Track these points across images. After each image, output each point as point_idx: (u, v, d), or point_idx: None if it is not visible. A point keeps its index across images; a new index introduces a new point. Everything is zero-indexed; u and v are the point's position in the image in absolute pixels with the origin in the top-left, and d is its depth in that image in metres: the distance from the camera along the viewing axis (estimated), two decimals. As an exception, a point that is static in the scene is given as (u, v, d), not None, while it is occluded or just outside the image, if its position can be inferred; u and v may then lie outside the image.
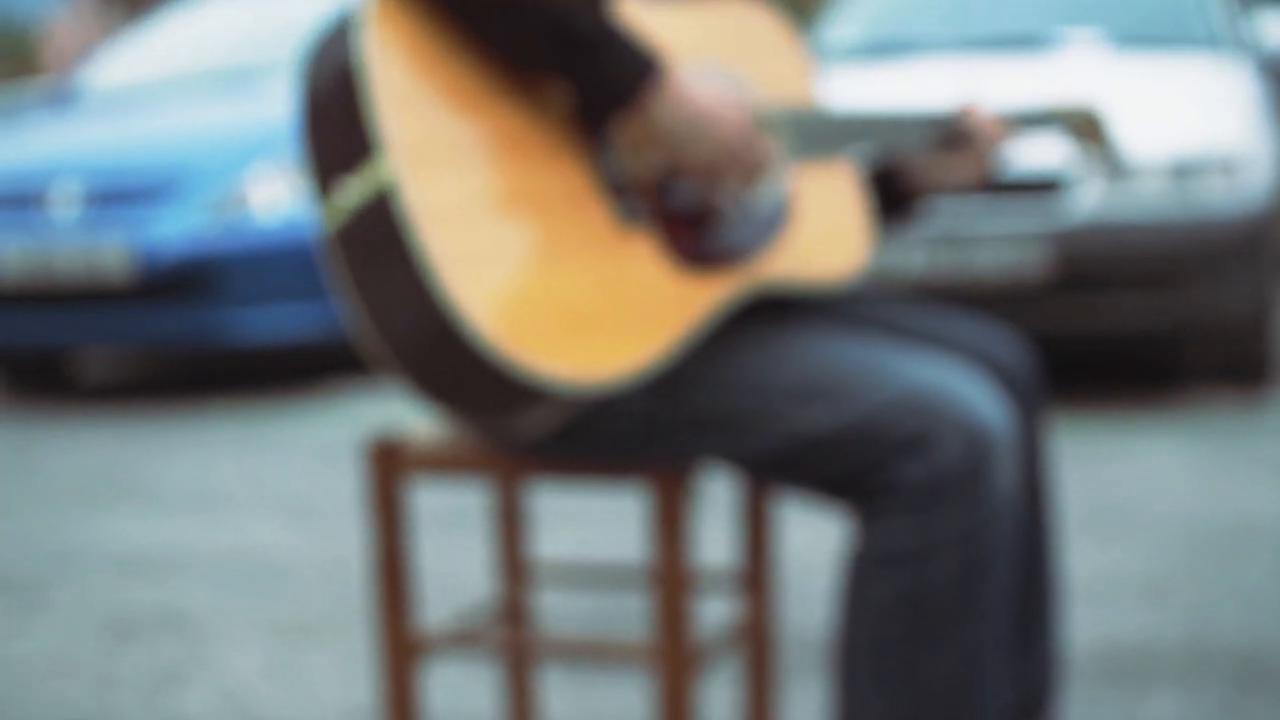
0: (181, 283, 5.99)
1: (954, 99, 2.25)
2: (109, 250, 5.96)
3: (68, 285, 6.03)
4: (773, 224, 1.99)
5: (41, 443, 5.52)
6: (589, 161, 1.81)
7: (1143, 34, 6.31)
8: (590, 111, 1.80)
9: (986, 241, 5.14)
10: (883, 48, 6.45)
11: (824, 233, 2.07)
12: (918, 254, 5.19)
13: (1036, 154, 5.14)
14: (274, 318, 6.07)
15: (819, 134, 2.03)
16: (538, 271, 1.73)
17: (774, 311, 2.06)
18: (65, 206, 6.09)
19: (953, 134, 2.22)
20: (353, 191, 1.70)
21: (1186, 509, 3.99)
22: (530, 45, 1.75)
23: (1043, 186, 5.17)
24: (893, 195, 2.30)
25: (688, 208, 1.90)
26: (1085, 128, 2.39)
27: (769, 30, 2.10)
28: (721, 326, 1.95)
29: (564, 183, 1.79)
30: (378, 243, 1.69)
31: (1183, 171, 5.17)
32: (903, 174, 2.29)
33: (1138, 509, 4.01)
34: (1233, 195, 5.19)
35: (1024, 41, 6.26)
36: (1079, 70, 5.88)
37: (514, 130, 1.78)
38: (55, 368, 7.00)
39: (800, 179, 2.06)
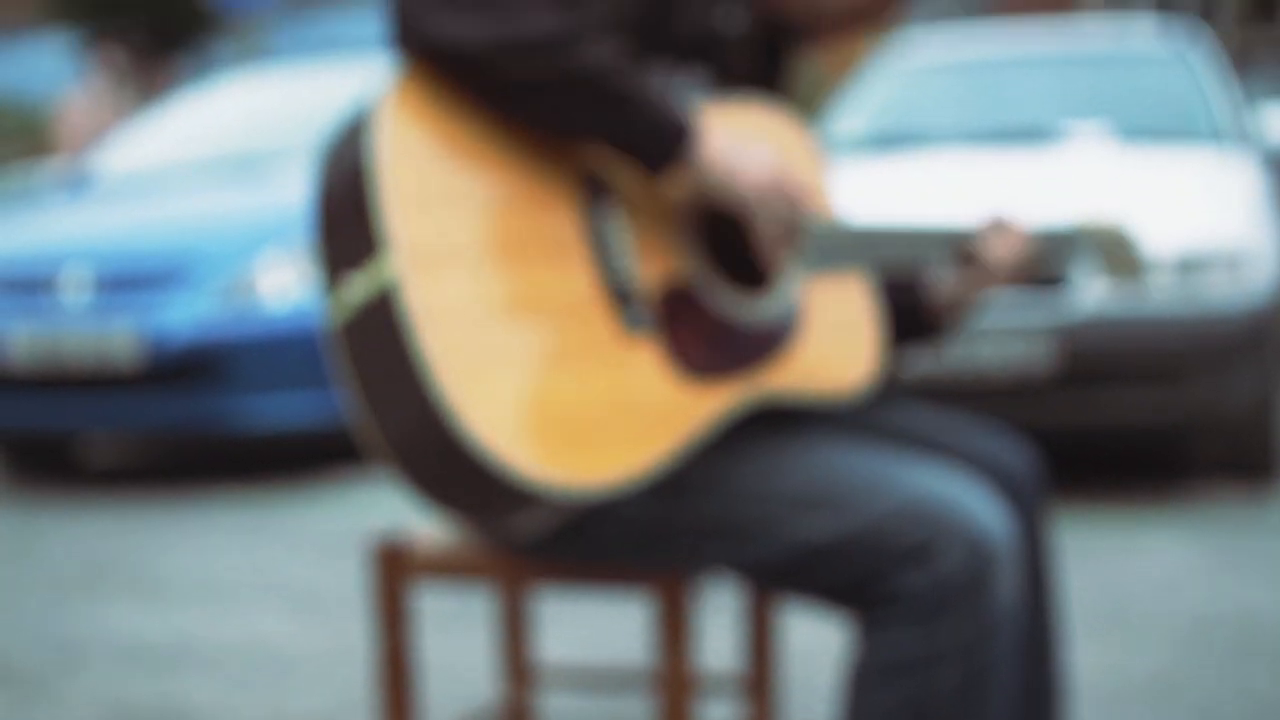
0: (190, 369, 6.01)
1: (975, 215, 2.25)
2: (118, 336, 5.98)
3: (76, 370, 6.05)
4: (780, 334, 2.00)
5: (45, 528, 5.52)
6: (596, 267, 1.83)
7: (1148, 127, 6.35)
8: (640, 166, 1.84)
9: (991, 336, 5.15)
10: (889, 140, 6.50)
11: (832, 345, 2.07)
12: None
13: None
14: (282, 405, 6.08)
15: (834, 246, 2.04)
16: (537, 377, 1.74)
17: (778, 419, 2.07)
18: (75, 291, 6.12)
19: (973, 250, 2.21)
20: (358, 288, 1.73)
21: (1192, 606, 3.98)
22: (571, 121, 1.80)
23: (1048, 281, 5.18)
24: (917, 318, 2.29)
25: (694, 317, 1.91)
26: (1112, 245, 2.38)
27: (787, 137, 2.11)
28: (725, 433, 1.96)
29: (570, 288, 1.80)
30: (379, 341, 1.71)
31: (1188, 266, 5.19)
32: (926, 295, 2.27)
33: (1143, 606, 4.00)
34: (1237, 290, 5.20)
35: (1030, 134, 6.30)
36: (1084, 163, 5.91)
37: (523, 233, 1.79)
38: (60, 451, 7.01)
39: (812, 290, 2.06)
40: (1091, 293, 5.16)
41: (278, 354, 6.06)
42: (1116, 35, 7.33)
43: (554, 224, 1.82)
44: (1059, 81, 6.92)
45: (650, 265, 1.88)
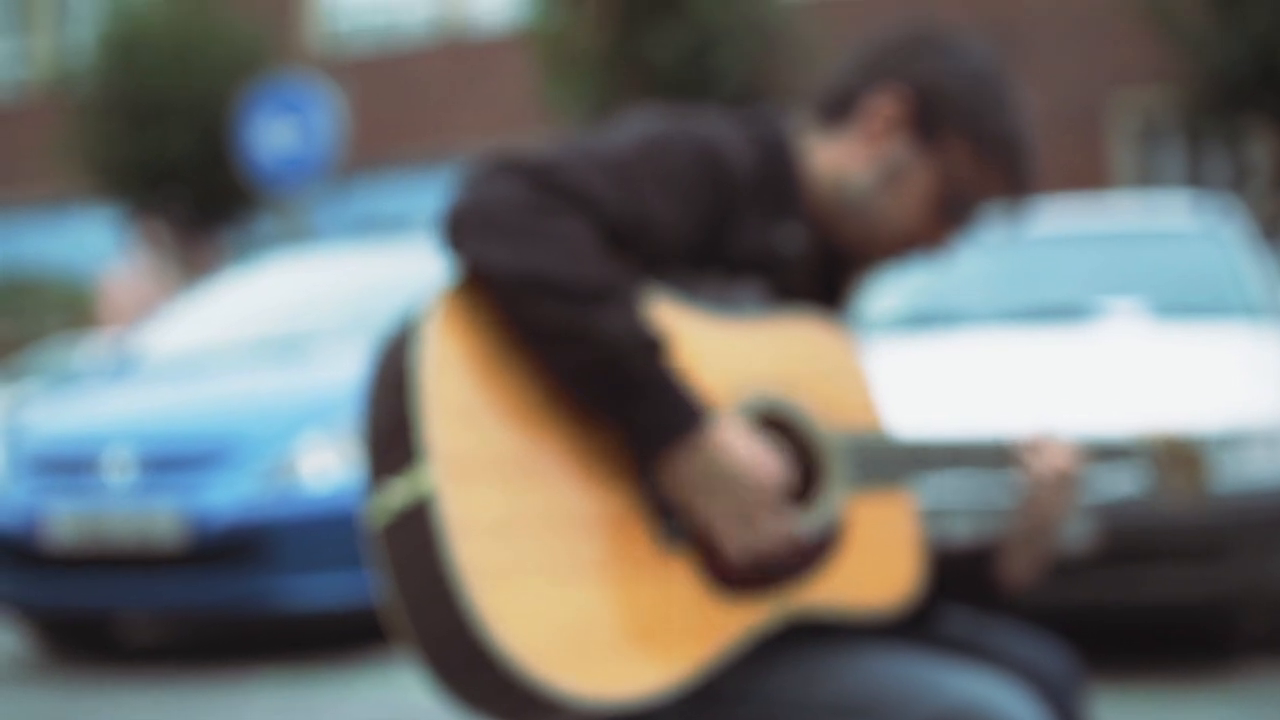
0: (232, 549, 6.04)
1: (1025, 428, 2.23)
2: (160, 516, 6.02)
3: (118, 550, 6.09)
4: (819, 549, 1.99)
5: (85, 708, 5.51)
6: (635, 481, 1.85)
7: (1182, 304, 6.37)
8: (631, 449, 1.85)
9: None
10: (925, 319, 6.53)
11: (872, 562, 2.05)
12: (962, 525, 5.20)
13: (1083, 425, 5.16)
14: (323, 585, 6.10)
15: (879, 461, 2.04)
16: (571, 589, 1.76)
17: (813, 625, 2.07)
18: (118, 472, 6.18)
19: (1020, 461, 2.18)
20: (398, 494, 1.76)
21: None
22: (582, 377, 1.81)
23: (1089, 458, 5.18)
24: (980, 586, 2.23)
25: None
26: (1175, 460, 2.29)
27: (836, 352, 2.10)
28: (763, 642, 1.95)
29: (608, 501, 1.82)
30: (415, 548, 1.74)
31: (1227, 443, 5.19)
32: (993, 566, 2.21)
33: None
34: (1276, 466, 5.19)
35: (1065, 312, 6.33)
36: (1120, 342, 5.93)
37: (563, 446, 1.82)
38: (99, 629, 7.01)
39: (855, 505, 2.04)
40: (1129, 469, 5.15)
41: (319, 535, 6.08)
42: (1149, 211, 7.39)
43: (595, 438, 1.84)
44: (1093, 258, 6.96)
45: None
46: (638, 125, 1.98)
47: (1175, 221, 7.13)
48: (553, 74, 16.99)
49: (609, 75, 16.10)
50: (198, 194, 21.33)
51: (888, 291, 6.92)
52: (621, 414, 1.83)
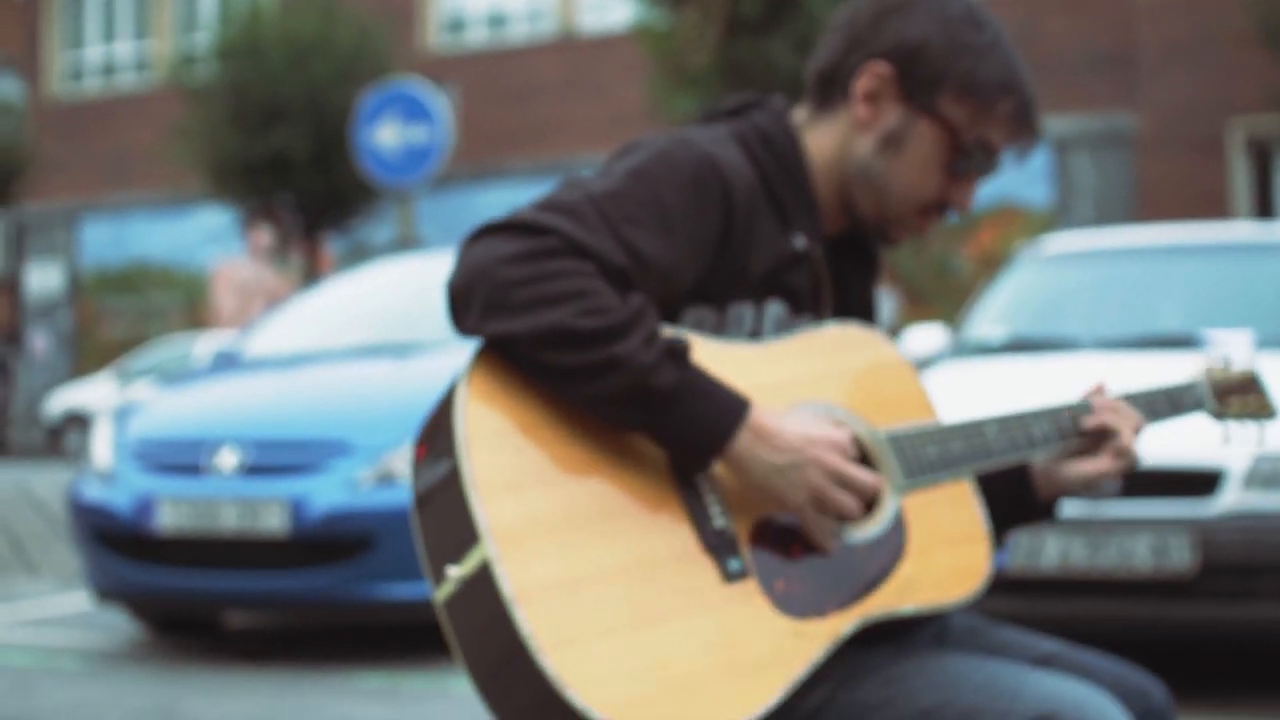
0: (336, 544, 6.15)
1: (1077, 390, 2.25)
2: (267, 510, 6.13)
3: (225, 546, 6.21)
4: (884, 552, 1.98)
5: (189, 695, 5.61)
6: (690, 520, 1.84)
7: (1291, 334, 6.29)
8: (681, 463, 1.84)
9: (1126, 530, 5.09)
10: (1029, 347, 6.48)
11: (943, 553, 2.05)
12: (1052, 545, 5.17)
13: (1183, 447, 5.13)
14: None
15: (934, 453, 2.03)
16: (643, 639, 1.75)
17: (899, 635, 2.07)
18: (225, 472, 6.29)
19: (1081, 425, 2.19)
20: (454, 575, 1.77)
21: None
22: (619, 404, 1.81)
23: (1190, 481, 5.13)
24: (1026, 499, 2.24)
25: (790, 551, 1.91)
26: (1233, 385, 2.35)
27: (876, 355, 2.11)
28: (845, 655, 1.95)
29: (667, 544, 1.81)
30: (481, 621, 1.75)
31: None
32: (1036, 476, 2.23)
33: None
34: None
35: (1172, 343, 6.26)
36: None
37: (614, 495, 1.81)
38: (204, 619, 7.14)
39: (917, 500, 2.04)
40: (1231, 488, 5.10)
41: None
42: (1256, 229, 7.28)
43: (642, 484, 1.84)
44: (1204, 277, 6.88)
45: (745, 509, 1.89)
46: (627, 160, 1.97)
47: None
48: (666, 81, 16.91)
49: (723, 80, 16.03)
50: (311, 197, 21.56)
51: (990, 319, 6.88)
52: (667, 429, 1.82)
